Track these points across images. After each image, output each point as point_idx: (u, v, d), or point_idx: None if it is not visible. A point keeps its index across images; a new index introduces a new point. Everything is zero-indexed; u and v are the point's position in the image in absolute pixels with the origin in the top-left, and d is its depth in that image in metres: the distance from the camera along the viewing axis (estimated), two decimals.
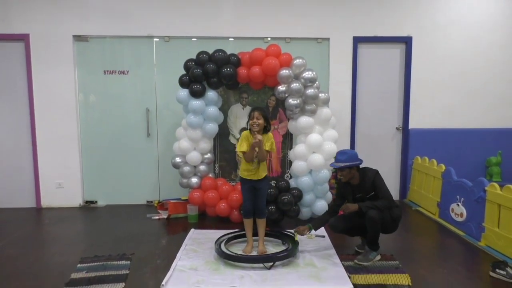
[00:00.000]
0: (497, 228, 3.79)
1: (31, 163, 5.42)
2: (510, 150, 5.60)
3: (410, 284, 3.11)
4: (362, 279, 3.19)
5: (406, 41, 5.52)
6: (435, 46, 5.55)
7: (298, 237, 3.74)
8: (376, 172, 3.56)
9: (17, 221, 4.90)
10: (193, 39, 5.38)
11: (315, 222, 3.81)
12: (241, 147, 3.60)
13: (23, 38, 5.22)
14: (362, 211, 3.44)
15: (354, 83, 5.54)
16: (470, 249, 3.92)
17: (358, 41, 5.47)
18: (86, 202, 5.55)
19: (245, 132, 3.64)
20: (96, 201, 5.55)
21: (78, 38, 5.33)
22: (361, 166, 3.63)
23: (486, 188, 3.96)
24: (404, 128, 5.70)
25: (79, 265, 3.50)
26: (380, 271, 3.32)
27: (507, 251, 3.63)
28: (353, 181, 3.61)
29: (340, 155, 3.58)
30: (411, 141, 5.63)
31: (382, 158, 5.72)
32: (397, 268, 3.40)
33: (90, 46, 5.36)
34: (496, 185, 3.85)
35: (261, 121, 3.53)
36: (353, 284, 3.09)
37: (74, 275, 3.29)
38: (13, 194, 5.47)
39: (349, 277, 3.22)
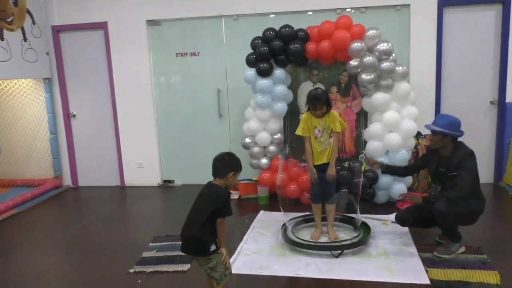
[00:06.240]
0: None
1: (114, 144, 5.77)
2: None
3: (499, 283, 2.72)
4: (441, 274, 2.87)
5: (503, 1, 4.77)
6: None
7: (365, 166, 3.49)
8: (470, 153, 3.09)
9: (103, 199, 5.31)
10: (262, 16, 5.20)
11: (388, 166, 3.57)
12: (298, 130, 3.47)
13: (102, 26, 5.49)
14: (430, 202, 3.08)
15: (439, 53, 4.96)
16: None
17: (443, 5, 4.84)
18: (164, 181, 5.79)
19: (305, 115, 3.45)
20: (173, 180, 5.77)
21: (151, 22, 5.45)
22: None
23: None
24: (500, 101, 5.00)
25: (151, 244, 3.65)
26: (463, 266, 2.97)
27: None
28: (443, 151, 3.19)
29: (439, 119, 3.21)
30: (508, 117, 4.92)
31: (474, 136, 5.05)
32: (485, 263, 3.01)
33: (162, 29, 5.47)
34: None
35: (323, 110, 3.33)
36: (430, 280, 2.80)
37: (145, 254, 3.45)
38: (101, 173, 5.89)
39: (426, 271, 2.92)
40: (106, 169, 5.89)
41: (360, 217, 3.64)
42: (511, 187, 4.81)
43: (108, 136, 5.80)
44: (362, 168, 3.49)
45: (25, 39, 5.16)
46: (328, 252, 3.25)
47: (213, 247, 2.41)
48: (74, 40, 5.65)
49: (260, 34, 4.60)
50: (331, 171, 3.41)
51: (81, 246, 3.77)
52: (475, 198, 3.11)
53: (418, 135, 4.58)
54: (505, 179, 5.01)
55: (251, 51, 4.65)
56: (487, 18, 4.89)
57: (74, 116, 5.81)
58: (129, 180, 5.82)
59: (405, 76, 4.31)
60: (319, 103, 3.28)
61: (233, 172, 2.55)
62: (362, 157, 3.52)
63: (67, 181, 5.94)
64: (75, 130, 5.87)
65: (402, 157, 4.25)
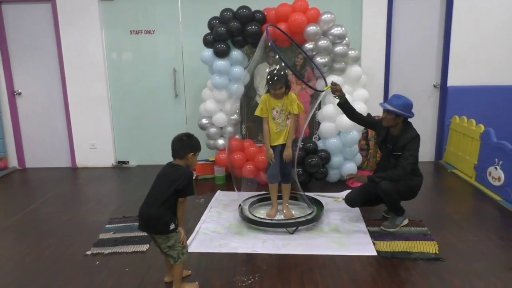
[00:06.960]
0: None
1: (64, 123, 5.57)
2: None
3: (437, 252, 3.00)
4: (386, 246, 3.10)
5: None
6: None
7: (329, 88, 3.41)
8: (416, 136, 3.28)
9: (53, 181, 5.12)
10: None
11: (347, 102, 3.54)
12: (257, 110, 3.53)
13: None
14: (374, 181, 3.28)
15: (389, 38, 5.19)
16: (506, 215, 3.72)
17: None
18: (118, 162, 5.69)
19: (264, 96, 3.52)
20: (128, 162, 5.68)
21: None
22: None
23: None
24: (442, 85, 5.35)
25: (107, 226, 3.62)
26: (406, 238, 3.22)
27: None
28: (393, 130, 3.36)
29: (394, 99, 3.32)
30: (449, 100, 5.28)
31: (418, 118, 5.20)
32: (425, 235, 3.28)
33: (115, 5, 5.26)
34: None
35: (282, 90, 3.40)
36: (377, 251, 3.03)
37: (102, 236, 3.42)
38: (51, 154, 5.69)
39: (374, 243, 3.15)
40: (56, 150, 5.68)
41: (302, 191, 3.82)
42: (450, 165, 5.21)
43: (58, 115, 5.58)
44: (325, 88, 3.45)
45: None
46: (284, 229, 3.39)
47: (172, 226, 2.46)
48: (19, 12, 5.31)
49: (217, 14, 4.58)
50: (288, 151, 3.53)
51: (33, 229, 3.66)
52: (414, 175, 3.36)
53: (368, 116, 4.80)
54: (445, 158, 5.41)
55: (208, 31, 4.63)
56: (434, 5, 5.17)
57: (19, 94, 5.52)
58: (81, 161, 5.66)
59: (357, 60, 4.49)
60: (279, 83, 3.36)
61: (192, 153, 2.59)
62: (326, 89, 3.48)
63: (13, 162, 5.68)
64: (21, 109, 5.59)
65: (353, 137, 4.46)
